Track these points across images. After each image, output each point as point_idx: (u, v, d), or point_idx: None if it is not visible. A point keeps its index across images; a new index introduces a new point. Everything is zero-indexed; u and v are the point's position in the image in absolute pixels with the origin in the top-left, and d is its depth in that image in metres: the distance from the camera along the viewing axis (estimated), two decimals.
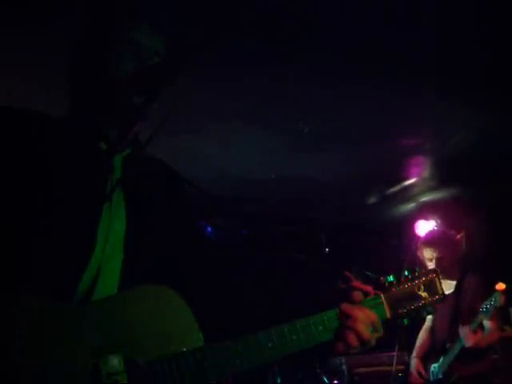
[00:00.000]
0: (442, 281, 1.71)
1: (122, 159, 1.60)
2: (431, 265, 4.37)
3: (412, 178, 6.30)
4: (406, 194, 6.73)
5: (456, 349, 4.17)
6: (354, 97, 4.53)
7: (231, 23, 3.49)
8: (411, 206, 7.10)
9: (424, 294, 1.67)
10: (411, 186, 6.49)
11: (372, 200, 6.81)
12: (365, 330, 1.52)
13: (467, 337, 4.08)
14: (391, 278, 1.68)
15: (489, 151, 5.60)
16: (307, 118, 4.85)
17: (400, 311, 1.63)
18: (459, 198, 6.69)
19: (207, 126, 4.80)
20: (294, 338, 1.50)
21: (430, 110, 4.76)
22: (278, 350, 1.48)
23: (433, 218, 6.86)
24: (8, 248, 1.40)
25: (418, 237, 6.22)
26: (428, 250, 4.46)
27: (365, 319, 1.53)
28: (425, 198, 6.91)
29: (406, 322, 1.65)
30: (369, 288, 1.63)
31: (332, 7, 3.44)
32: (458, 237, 4.79)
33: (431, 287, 1.69)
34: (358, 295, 1.59)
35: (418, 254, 4.62)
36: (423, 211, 6.97)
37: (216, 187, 5.73)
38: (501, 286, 4.10)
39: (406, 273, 1.69)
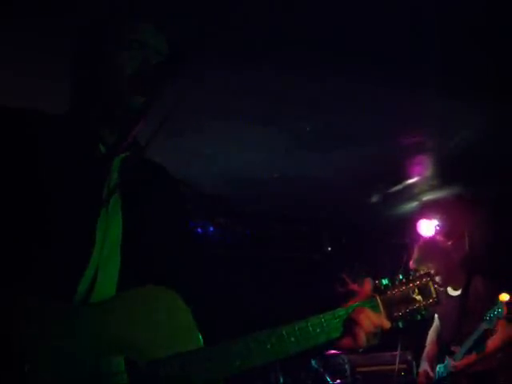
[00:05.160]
0: (436, 285, 1.75)
1: (121, 162, 1.59)
2: None
3: (414, 177, 6.29)
4: (408, 193, 6.71)
5: (444, 369, 4.28)
6: (355, 96, 4.52)
7: (231, 22, 3.49)
8: (413, 205, 7.08)
9: (418, 298, 1.69)
10: (413, 185, 6.48)
11: (374, 199, 6.79)
12: (372, 327, 1.57)
13: (451, 366, 4.20)
14: (386, 281, 1.70)
15: (491, 150, 5.58)
16: (309, 117, 4.85)
17: (395, 314, 1.66)
18: (461, 196, 6.67)
19: (208, 126, 4.80)
20: (293, 339, 1.51)
21: (432, 108, 4.75)
22: (276, 351, 1.49)
23: (435, 218, 6.85)
24: (8, 250, 1.40)
25: (420, 236, 6.22)
26: (422, 267, 4.39)
27: (374, 319, 1.58)
28: (427, 197, 6.89)
29: (400, 324, 1.67)
30: (366, 290, 1.65)
31: (332, 6, 3.43)
32: (449, 243, 4.75)
33: (425, 291, 1.71)
34: (366, 290, 1.64)
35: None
36: (425, 210, 6.95)
37: (217, 187, 5.74)
38: (504, 296, 4.07)
39: (401, 276, 1.71)
